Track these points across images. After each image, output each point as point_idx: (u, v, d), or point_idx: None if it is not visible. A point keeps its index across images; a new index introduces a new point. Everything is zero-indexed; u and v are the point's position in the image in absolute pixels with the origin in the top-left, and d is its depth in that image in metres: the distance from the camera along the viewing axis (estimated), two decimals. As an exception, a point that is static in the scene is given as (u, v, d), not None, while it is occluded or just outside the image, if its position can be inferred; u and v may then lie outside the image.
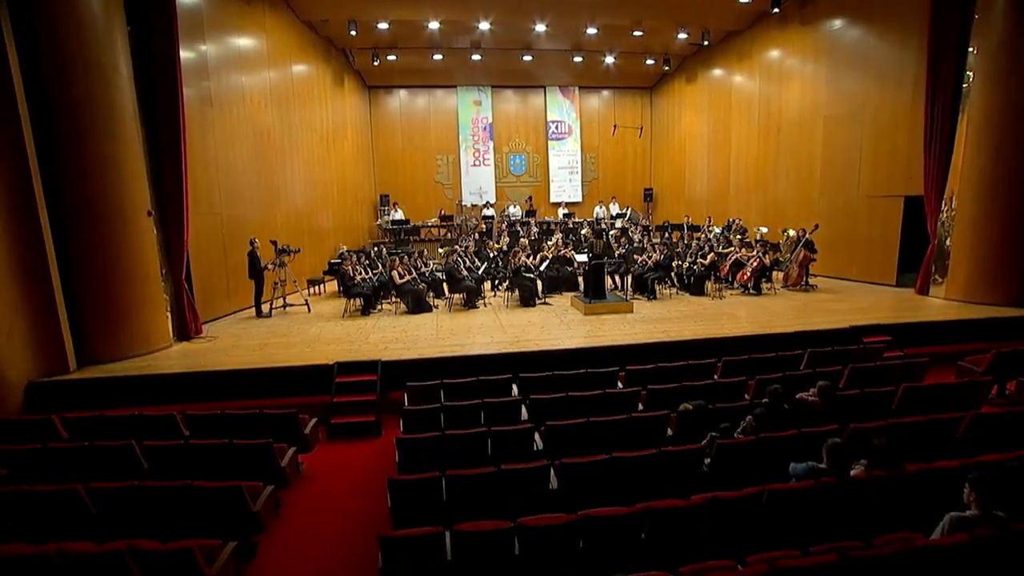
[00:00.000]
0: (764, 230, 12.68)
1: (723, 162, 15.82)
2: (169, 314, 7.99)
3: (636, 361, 6.99)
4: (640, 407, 5.58)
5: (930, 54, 9.02)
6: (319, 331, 8.49)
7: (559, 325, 8.43)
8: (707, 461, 4.30)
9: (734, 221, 13.63)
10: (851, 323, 8.02)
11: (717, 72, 15.87)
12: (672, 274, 11.08)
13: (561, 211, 17.48)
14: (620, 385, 6.22)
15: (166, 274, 7.94)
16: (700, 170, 17.07)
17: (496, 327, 8.37)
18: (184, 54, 8.34)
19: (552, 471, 4.10)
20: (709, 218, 15.19)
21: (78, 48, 6.56)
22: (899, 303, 9.40)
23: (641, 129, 19.17)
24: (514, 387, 6.11)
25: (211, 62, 9.29)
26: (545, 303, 10.18)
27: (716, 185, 16.32)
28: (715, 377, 6.40)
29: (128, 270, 7.16)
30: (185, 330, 8.13)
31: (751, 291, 10.69)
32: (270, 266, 9.61)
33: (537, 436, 4.87)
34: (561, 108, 19.16)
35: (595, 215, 17.62)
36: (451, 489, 3.85)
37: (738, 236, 12.39)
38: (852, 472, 3.58)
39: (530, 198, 18.16)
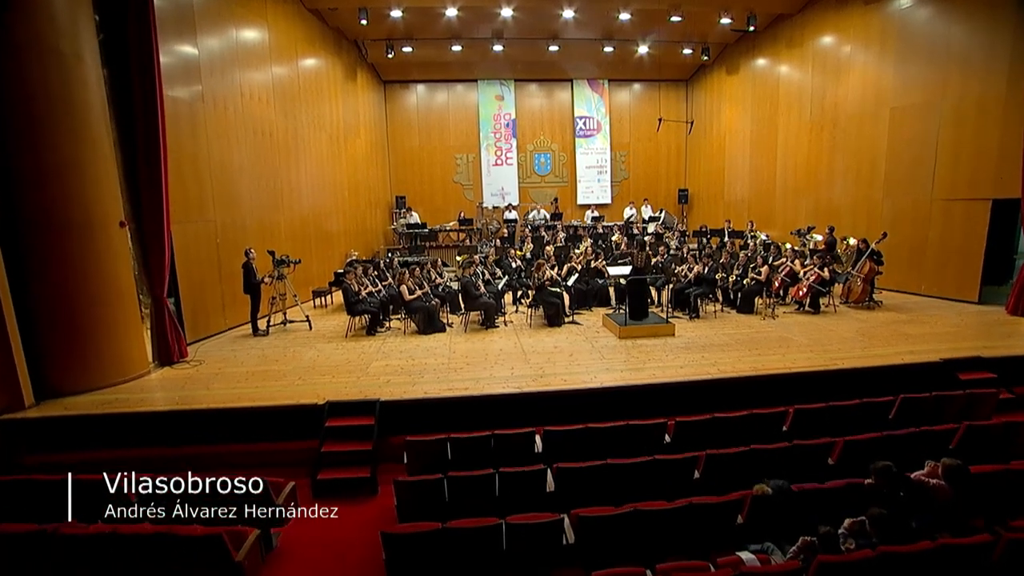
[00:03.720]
0: (818, 238, 11.30)
1: (768, 161, 14.37)
2: (149, 336, 7.12)
3: (684, 403, 5.87)
4: (696, 474, 4.44)
5: (1036, 33, 7.60)
6: (316, 355, 7.50)
7: (590, 352, 7.28)
8: (802, 577, 3.15)
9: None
10: (939, 354, 6.71)
11: (762, 62, 14.42)
12: (716, 288, 9.80)
13: (589, 214, 16.25)
14: (668, 438, 5.09)
15: (145, 291, 7.06)
16: (741, 170, 15.63)
17: (517, 354, 7.27)
18: (171, 47, 7.49)
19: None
20: (751, 222, 13.84)
21: (33, 34, 5.64)
22: (990, 327, 7.99)
23: (691, 124, 17.74)
24: (537, 440, 5.02)
25: (203, 55, 8.37)
26: (573, 321, 9.02)
27: (759, 186, 14.88)
28: (784, 429, 5.23)
29: (95, 288, 6.24)
30: (167, 354, 7.21)
31: (807, 309, 9.36)
32: (267, 279, 8.64)
33: (567, 522, 3.76)
34: (589, 103, 17.89)
35: (625, 218, 16.34)
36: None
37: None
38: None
39: (556, 199, 17.00)
